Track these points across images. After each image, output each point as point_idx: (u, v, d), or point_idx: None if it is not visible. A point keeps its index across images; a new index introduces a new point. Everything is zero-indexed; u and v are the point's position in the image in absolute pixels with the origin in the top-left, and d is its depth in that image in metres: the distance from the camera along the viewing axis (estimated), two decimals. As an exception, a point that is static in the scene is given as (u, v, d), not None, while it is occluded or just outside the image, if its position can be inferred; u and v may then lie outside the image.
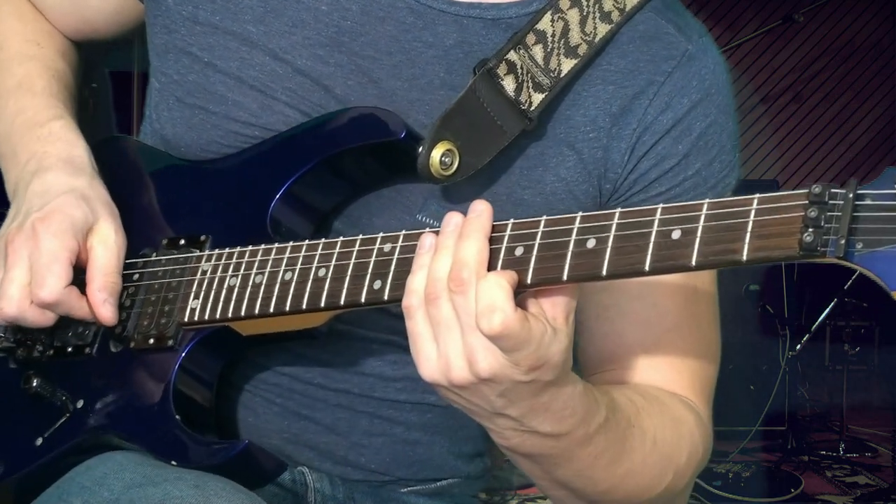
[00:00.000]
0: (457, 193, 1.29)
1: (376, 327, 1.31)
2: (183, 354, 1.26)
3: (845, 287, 5.31)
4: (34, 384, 1.30)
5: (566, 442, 1.14)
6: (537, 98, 1.27)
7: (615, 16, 1.30)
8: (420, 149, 1.23)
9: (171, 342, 1.26)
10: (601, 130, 1.31)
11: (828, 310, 5.33)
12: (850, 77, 7.95)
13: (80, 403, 1.30)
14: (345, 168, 1.29)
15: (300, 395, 1.35)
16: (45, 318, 1.27)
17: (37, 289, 1.24)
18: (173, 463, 1.21)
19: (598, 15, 1.30)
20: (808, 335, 5.29)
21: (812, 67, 7.96)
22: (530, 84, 1.27)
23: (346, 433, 1.37)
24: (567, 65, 1.28)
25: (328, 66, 1.29)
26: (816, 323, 5.34)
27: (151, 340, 1.28)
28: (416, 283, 1.07)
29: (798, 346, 5.21)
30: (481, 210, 1.07)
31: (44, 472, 1.29)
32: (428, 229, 1.11)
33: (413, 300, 1.07)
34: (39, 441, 1.30)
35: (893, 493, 4.70)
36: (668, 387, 1.33)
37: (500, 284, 1.01)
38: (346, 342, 1.31)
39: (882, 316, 6.02)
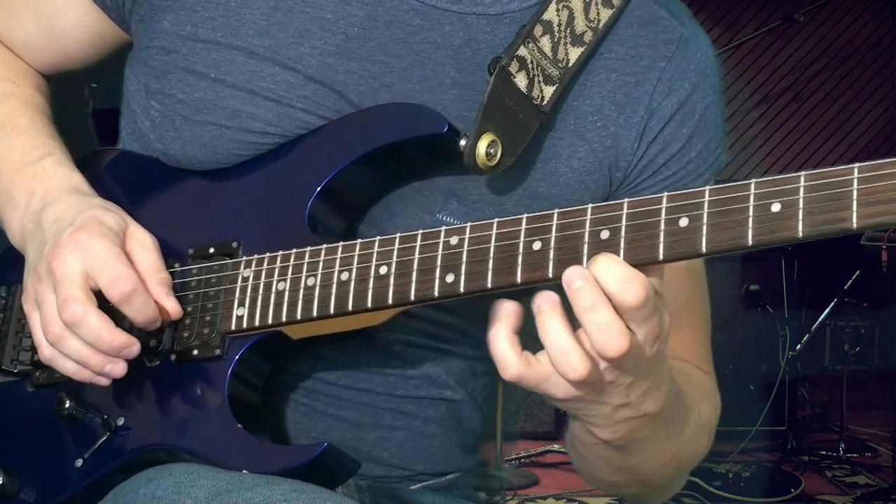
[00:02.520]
0: (476, 190, 1.30)
1: (396, 328, 1.32)
2: (235, 360, 1.24)
3: (845, 287, 5.31)
4: (67, 405, 1.26)
5: (658, 420, 1.17)
6: (548, 91, 1.29)
7: (616, 0, 1.32)
8: (462, 142, 1.23)
9: (217, 351, 1.24)
10: (608, 119, 1.33)
11: (828, 310, 5.33)
12: (850, 77, 7.96)
13: (120, 421, 1.27)
14: (384, 163, 1.27)
15: (325, 395, 1.36)
16: (106, 327, 1.19)
17: (115, 282, 1.19)
18: (244, 471, 1.18)
19: (600, 0, 1.32)
20: (808, 335, 5.29)
21: (812, 67, 7.97)
22: (541, 77, 1.28)
23: (371, 428, 1.38)
24: (574, 53, 1.30)
25: (339, 74, 1.28)
26: (816, 323, 5.34)
27: (195, 351, 1.25)
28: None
29: (798, 346, 5.21)
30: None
31: (84, 494, 1.26)
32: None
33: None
34: (79, 463, 1.27)
35: (893, 493, 4.69)
36: (684, 358, 1.39)
37: (612, 259, 1.01)
38: (368, 344, 1.32)
39: (882, 316, 6.02)
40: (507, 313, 1.06)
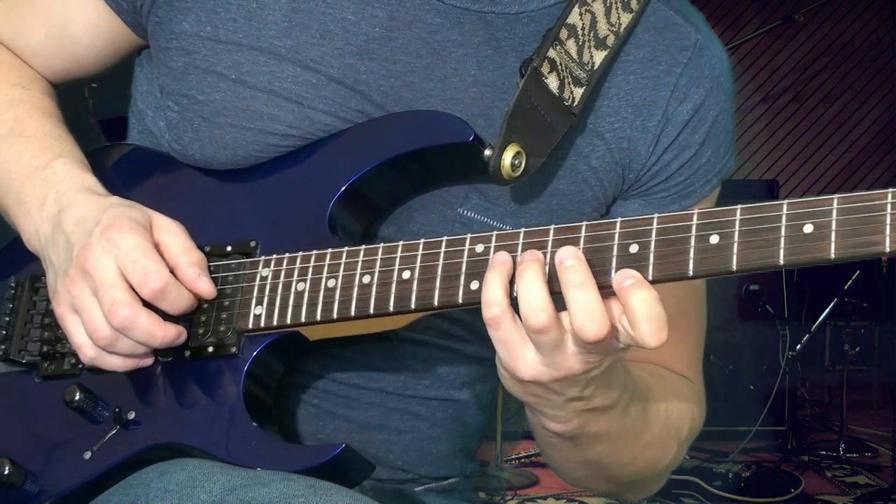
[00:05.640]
0: (498, 186, 1.30)
1: (410, 326, 1.32)
2: (251, 359, 1.23)
3: (845, 287, 5.31)
4: (77, 397, 1.26)
5: (611, 413, 1.18)
6: (578, 92, 1.30)
7: (634, 4, 1.34)
8: (487, 152, 1.24)
9: (233, 349, 1.24)
10: (625, 121, 1.34)
11: (828, 310, 5.34)
12: (850, 77, 7.96)
13: (131, 415, 1.26)
14: (408, 168, 1.28)
15: (334, 395, 1.36)
16: (157, 325, 1.19)
17: (145, 279, 1.18)
18: (258, 469, 1.17)
19: (619, 5, 1.33)
20: (808, 335, 5.29)
21: (812, 67, 7.97)
22: (570, 79, 1.29)
23: (379, 430, 1.38)
24: (599, 56, 1.31)
25: (361, 74, 1.28)
26: (816, 323, 5.35)
27: (210, 349, 1.25)
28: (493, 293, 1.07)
29: (798, 346, 5.22)
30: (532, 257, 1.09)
31: (89, 486, 1.26)
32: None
33: (495, 311, 1.07)
34: (88, 455, 1.26)
35: (893, 493, 4.70)
36: (669, 366, 1.39)
37: (654, 296, 1.02)
38: (381, 343, 1.31)
39: (882, 316, 6.02)
40: (503, 261, 1.08)
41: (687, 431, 1.37)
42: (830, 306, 5.33)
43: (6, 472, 1.27)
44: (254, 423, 1.21)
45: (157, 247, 1.23)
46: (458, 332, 1.38)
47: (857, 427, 5.64)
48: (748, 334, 5.28)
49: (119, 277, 1.19)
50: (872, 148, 8.00)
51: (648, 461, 1.33)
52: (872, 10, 7.91)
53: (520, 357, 1.08)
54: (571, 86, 1.29)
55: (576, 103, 1.29)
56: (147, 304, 1.20)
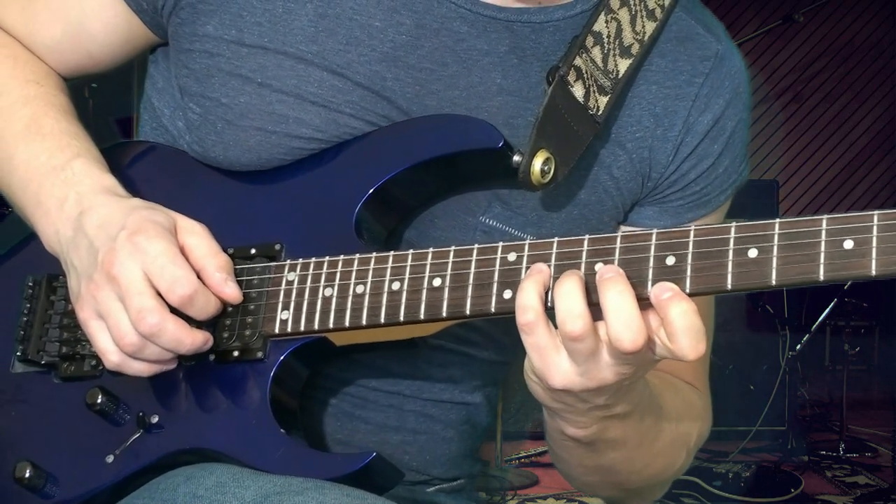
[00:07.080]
0: (520, 195, 1.30)
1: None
2: (278, 364, 1.22)
3: (845, 287, 5.31)
4: (99, 400, 1.24)
5: (629, 420, 1.18)
6: (602, 101, 1.30)
7: (658, 13, 1.34)
8: (517, 158, 1.23)
9: (259, 354, 1.23)
10: (646, 130, 1.34)
11: (828, 310, 5.34)
12: (850, 77, 7.96)
13: (154, 419, 1.25)
14: (436, 172, 1.27)
15: (352, 396, 1.36)
16: (185, 331, 1.18)
17: (173, 286, 1.17)
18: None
19: (644, 13, 1.33)
20: (808, 335, 5.29)
21: (812, 67, 7.97)
22: (595, 88, 1.29)
23: (395, 431, 1.38)
24: (623, 65, 1.31)
25: (387, 81, 1.28)
26: (816, 323, 5.35)
27: (236, 353, 1.24)
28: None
29: (798, 346, 5.22)
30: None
31: (112, 490, 1.25)
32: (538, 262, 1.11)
33: (530, 315, 1.06)
34: (110, 459, 1.25)
35: (893, 493, 4.70)
36: (678, 375, 1.40)
37: (694, 309, 1.01)
38: (407, 349, 1.30)
39: (882, 316, 6.02)
40: (540, 270, 1.08)
41: (695, 440, 1.37)
42: (830, 306, 5.34)
43: (27, 475, 1.26)
44: (281, 430, 1.20)
45: (181, 250, 1.21)
46: (474, 338, 1.38)
47: (857, 427, 5.64)
48: (748, 334, 5.28)
49: (146, 284, 1.17)
50: (872, 148, 8.00)
51: (659, 468, 1.33)
52: (872, 10, 7.91)
53: (553, 365, 1.07)
54: (596, 94, 1.29)
55: (600, 112, 1.29)
56: (173, 310, 1.18)
